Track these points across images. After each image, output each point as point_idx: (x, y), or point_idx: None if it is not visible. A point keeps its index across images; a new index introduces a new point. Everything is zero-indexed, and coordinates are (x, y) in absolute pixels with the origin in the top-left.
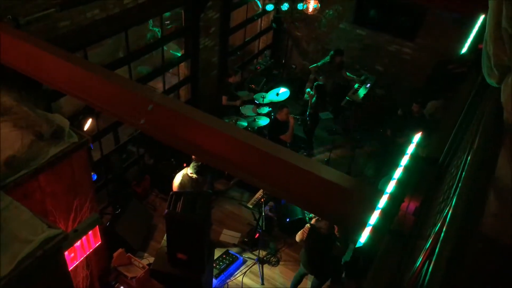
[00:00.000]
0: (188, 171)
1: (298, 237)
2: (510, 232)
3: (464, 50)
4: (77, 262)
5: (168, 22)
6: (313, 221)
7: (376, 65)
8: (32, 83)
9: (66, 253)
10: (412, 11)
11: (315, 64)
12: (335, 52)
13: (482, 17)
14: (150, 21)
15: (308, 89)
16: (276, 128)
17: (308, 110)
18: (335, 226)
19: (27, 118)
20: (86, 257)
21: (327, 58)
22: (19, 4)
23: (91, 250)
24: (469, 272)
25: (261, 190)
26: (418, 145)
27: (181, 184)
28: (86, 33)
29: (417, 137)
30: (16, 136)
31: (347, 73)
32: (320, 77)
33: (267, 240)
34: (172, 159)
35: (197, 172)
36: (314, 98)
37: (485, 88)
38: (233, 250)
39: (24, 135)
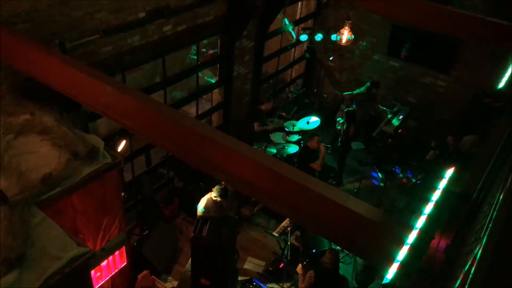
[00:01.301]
0: (212, 194)
1: (304, 286)
2: None
3: (501, 84)
4: (103, 282)
5: (204, 49)
6: (298, 269)
7: (409, 97)
8: (72, 104)
9: (92, 272)
10: (446, 43)
11: (350, 92)
12: (372, 83)
13: None
14: (193, 49)
15: (339, 118)
16: (306, 156)
17: (340, 137)
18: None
19: (65, 137)
20: (111, 277)
21: (363, 89)
22: (66, 30)
23: (116, 270)
24: None
25: (288, 219)
26: (451, 180)
27: (206, 208)
28: (125, 58)
29: (449, 172)
30: (54, 155)
31: (380, 106)
32: (353, 106)
33: (292, 270)
34: (201, 183)
35: (220, 195)
36: (346, 125)
37: None
38: (257, 279)
39: (62, 154)
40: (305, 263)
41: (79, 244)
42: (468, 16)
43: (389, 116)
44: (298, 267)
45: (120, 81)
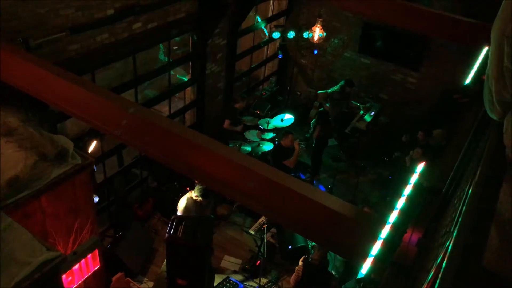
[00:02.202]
0: (193, 194)
1: (293, 280)
2: (510, 266)
3: (468, 80)
4: (75, 286)
5: (176, 47)
6: (300, 262)
7: (381, 94)
8: (38, 104)
9: (64, 276)
10: (416, 41)
11: (324, 91)
12: (346, 82)
13: (486, 49)
14: (161, 52)
15: (313, 120)
16: (279, 154)
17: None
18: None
19: (31, 138)
20: (84, 281)
21: (337, 87)
22: (31, 27)
23: (89, 273)
24: None
25: (264, 217)
26: (422, 175)
27: (186, 208)
28: (94, 56)
29: (420, 166)
30: (20, 157)
31: (352, 101)
32: (327, 104)
33: (268, 267)
34: (175, 183)
35: (202, 195)
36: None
37: (487, 122)
38: (233, 277)
39: (28, 155)
40: (307, 256)
41: (49, 249)
42: (437, 14)
43: (361, 112)
44: (300, 260)
45: (89, 80)
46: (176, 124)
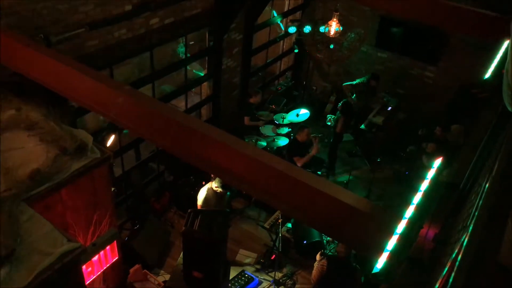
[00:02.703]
0: (213, 185)
1: (315, 275)
2: None
3: (487, 75)
4: (94, 277)
5: (192, 42)
6: (317, 257)
7: (398, 89)
8: (59, 99)
9: (83, 267)
10: (434, 35)
11: (350, 83)
12: (371, 76)
13: (506, 43)
14: (181, 47)
15: (329, 116)
16: (295, 149)
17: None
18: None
19: (52, 132)
20: (103, 272)
21: (364, 79)
22: (51, 24)
23: (108, 265)
24: None
25: (279, 211)
26: (439, 170)
27: (206, 199)
28: (112, 52)
29: (437, 162)
30: (42, 150)
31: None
32: (353, 96)
33: (283, 262)
34: (191, 177)
35: (222, 186)
36: (338, 115)
37: (508, 115)
38: (248, 271)
39: (49, 149)
40: (323, 251)
41: (70, 240)
42: (456, 8)
43: (378, 107)
44: (317, 255)
45: (108, 75)
46: (193, 118)
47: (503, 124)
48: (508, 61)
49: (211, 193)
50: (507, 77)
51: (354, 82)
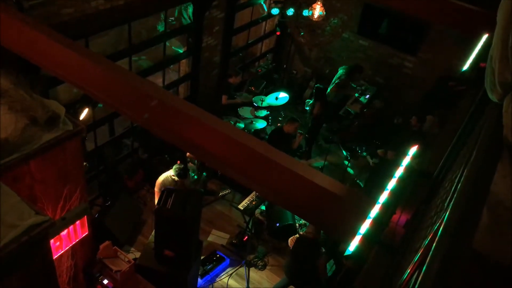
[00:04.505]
0: (171, 173)
1: (290, 241)
2: (500, 249)
3: (465, 67)
4: (62, 251)
5: (172, 18)
6: (289, 241)
7: (377, 77)
8: (30, 67)
9: (51, 241)
10: (415, 26)
11: (331, 86)
12: (355, 67)
13: (485, 37)
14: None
15: (308, 101)
16: (278, 138)
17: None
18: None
19: (22, 101)
20: (72, 247)
21: (342, 72)
22: None
23: (77, 240)
24: (457, 287)
25: (253, 193)
26: (414, 158)
27: (163, 184)
28: (89, 22)
29: (413, 150)
30: (10, 120)
31: (352, 84)
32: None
33: (255, 243)
34: (166, 155)
35: (178, 175)
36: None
37: (484, 105)
38: (220, 251)
39: (18, 118)
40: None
41: (38, 213)
42: (440, 0)
43: (356, 95)
44: (289, 240)
45: (83, 46)
46: (170, 93)
47: (480, 112)
48: (492, 48)
49: (169, 181)
50: (491, 63)
51: (337, 80)
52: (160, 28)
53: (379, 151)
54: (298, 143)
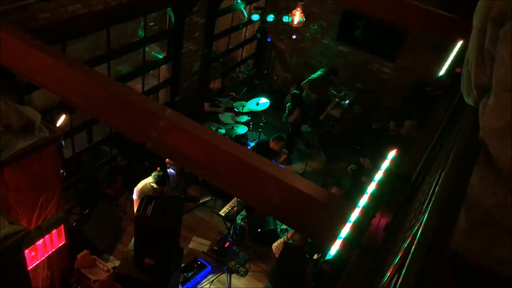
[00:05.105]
0: (150, 180)
1: (275, 248)
2: (478, 250)
3: (441, 72)
4: (38, 262)
5: (152, 23)
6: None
7: (356, 83)
8: (4, 73)
9: (26, 251)
10: (393, 32)
11: (306, 80)
12: (330, 70)
13: (460, 43)
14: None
15: (288, 104)
16: (262, 151)
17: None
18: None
19: None
20: (48, 257)
21: (320, 73)
22: None
23: (53, 249)
24: None
25: (235, 199)
26: (393, 161)
27: (142, 192)
28: (66, 27)
29: (391, 153)
30: None
31: (330, 89)
32: (303, 93)
33: (237, 249)
34: (146, 162)
35: (157, 182)
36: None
37: (461, 109)
38: (201, 258)
39: None
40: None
41: (12, 222)
42: (414, 6)
43: (336, 100)
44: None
45: (61, 51)
46: (149, 99)
47: (457, 117)
48: (468, 51)
49: (147, 188)
50: (467, 66)
51: (310, 78)
52: (141, 32)
53: (361, 159)
54: (282, 161)
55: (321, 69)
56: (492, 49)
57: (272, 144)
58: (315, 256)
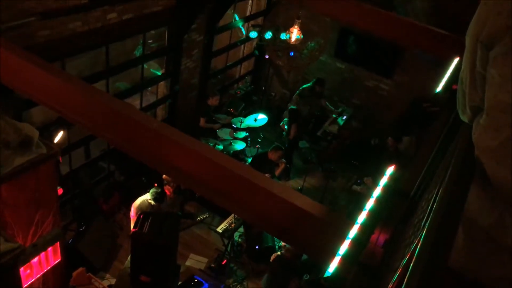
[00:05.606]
0: (148, 197)
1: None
2: (475, 267)
3: (438, 89)
4: (33, 280)
5: (151, 41)
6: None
7: (354, 99)
8: (3, 90)
9: (21, 269)
10: (390, 49)
11: (296, 93)
12: (316, 80)
13: (456, 60)
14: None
15: (285, 119)
16: (260, 162)
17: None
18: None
19: None
20: (43, 275)
21: (309, 84)
22: (0, 10)
23: (49, 267)
24: None
25: (232, 215)
26: (391, 178)
27: (139, 209)
28: (65, 44)
29: (390, 169)
30: None
31: (327, 103)
32: (304, 105)
33: (234, 267)
34: (143, 178)
35: (155, 199)
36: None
37: (458, 126)
38: (198, 276)
39: None
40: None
41: (7, 240)
42: (411, 24)
43: (334, 116)
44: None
45: (60, 68)
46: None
47: (454, 133)
48: (462, 71)
49: (145, 205)
50: (462, 86)
51: (300, 88)
52: (137, 52)
53: (365, 179)
54: (280, 171)
55: (307, 84)
56: (482, 70)
57: (270, 155)
58: (304, 277)
